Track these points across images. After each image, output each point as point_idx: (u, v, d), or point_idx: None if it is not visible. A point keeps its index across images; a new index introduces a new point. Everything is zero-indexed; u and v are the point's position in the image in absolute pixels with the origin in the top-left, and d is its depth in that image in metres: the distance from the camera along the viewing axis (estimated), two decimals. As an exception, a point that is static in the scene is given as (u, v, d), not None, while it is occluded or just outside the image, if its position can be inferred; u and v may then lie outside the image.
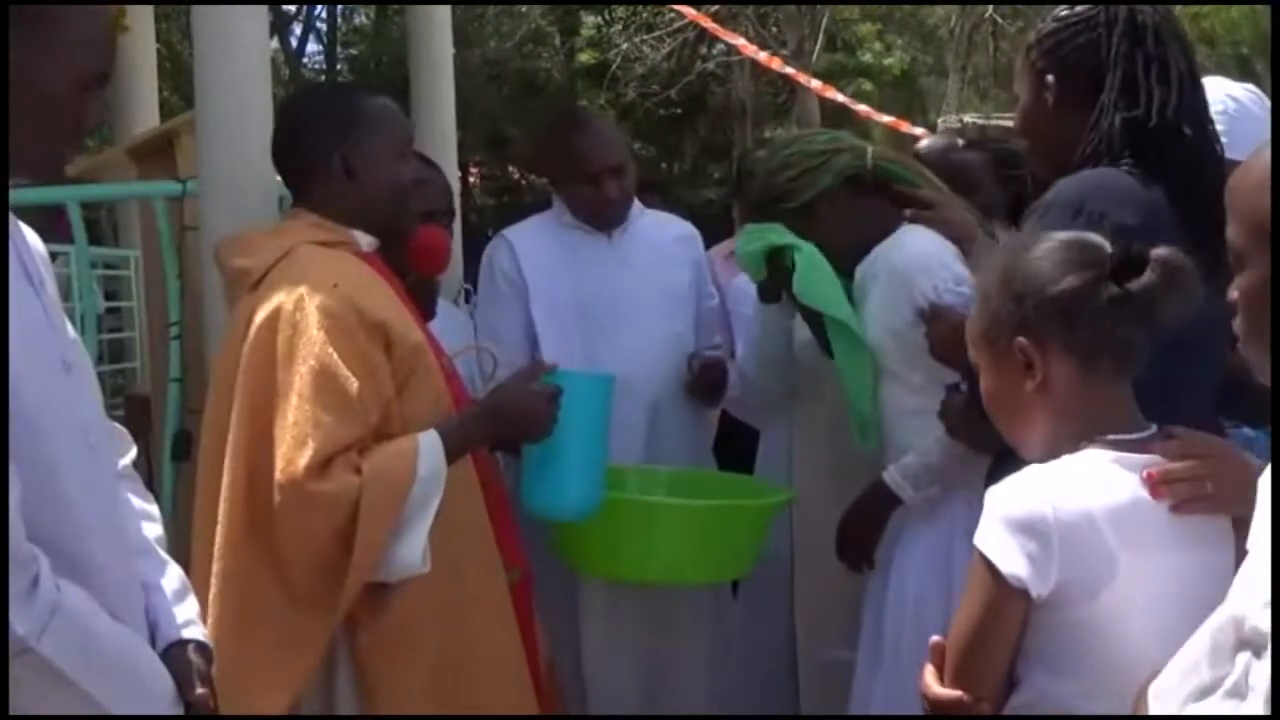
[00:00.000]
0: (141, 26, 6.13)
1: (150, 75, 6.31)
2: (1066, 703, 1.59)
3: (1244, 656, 1.12)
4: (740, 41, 9.43)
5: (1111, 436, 1.61)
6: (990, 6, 16.34)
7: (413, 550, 2.10)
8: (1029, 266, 1.64)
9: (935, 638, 1.65)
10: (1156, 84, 2.01)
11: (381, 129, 2.32)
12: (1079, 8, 2.09)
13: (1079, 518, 1.53)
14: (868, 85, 17.62)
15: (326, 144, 2.28)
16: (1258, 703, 1.08)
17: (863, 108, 9.32)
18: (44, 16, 1.43)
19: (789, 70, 9.23)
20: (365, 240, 2.33)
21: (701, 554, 2.66)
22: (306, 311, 2.10)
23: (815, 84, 9.46)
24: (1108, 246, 1.63)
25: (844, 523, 2.57)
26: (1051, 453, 1.62)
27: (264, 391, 2.11)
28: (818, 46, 15.48)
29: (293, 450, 2.05)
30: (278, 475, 2.06)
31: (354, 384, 2.08)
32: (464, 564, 2.26)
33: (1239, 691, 1.13)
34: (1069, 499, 1.54)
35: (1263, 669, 1.08)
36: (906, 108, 18.78)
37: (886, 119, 9.18)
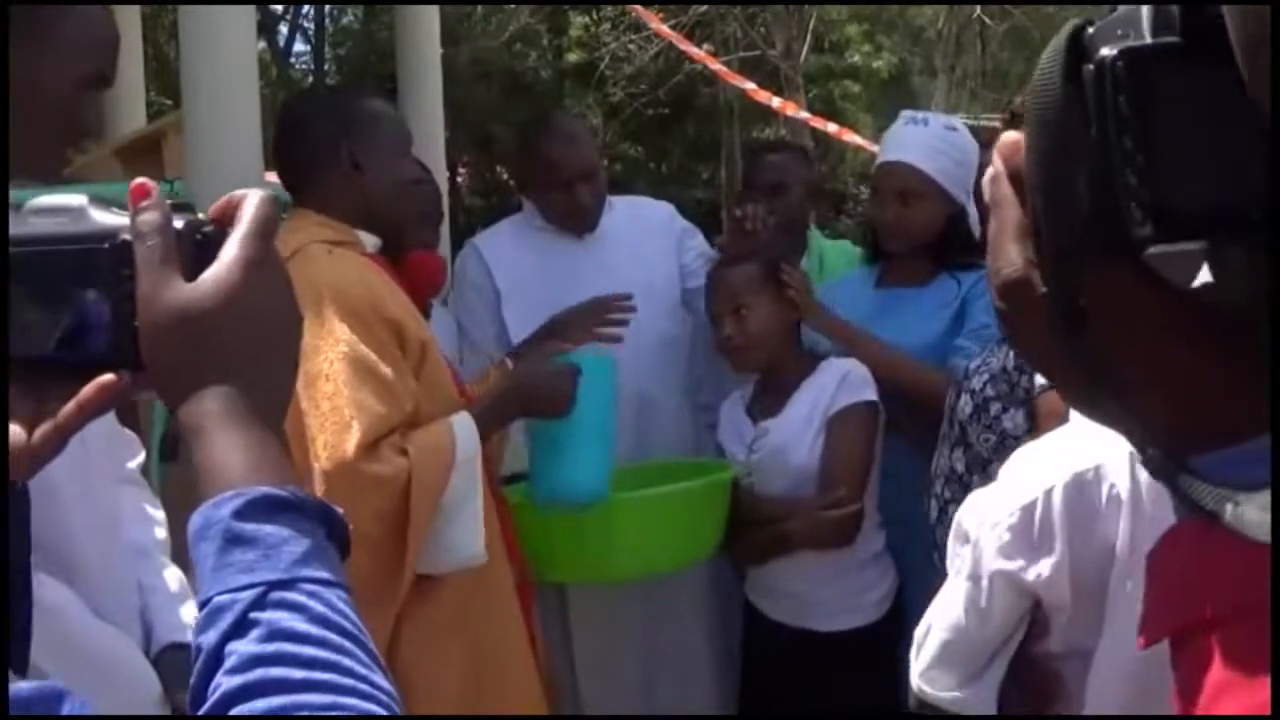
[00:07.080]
0: (128, 27, 6.12)
1: (137, 76, 6.29)
2: None
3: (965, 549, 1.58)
4: (701, 53, 9.38)
5: None
6: (978, 7, 16.37)
7: (469, 537, 2.10)
8: None
9: None
10: None
11: (383, 126, 2.36)
12: None
13: None
14: (855, 87, 17.66)
15: (333, 139, 2.29)
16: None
17: (832, 126, 9.34)
18: (45, 18, 1.43)
19: (750, 86, 9.13)
20: (370, 241, 2.34)
21: (663, 542, 2.63)
22: (326, 306, 2.10)
23: (776, 102, 9.34)
24: None
25: None
26: None
27: None
28: (805, 48, 15.50)
29: (337, 435, 2.03)
30: (322, 463, 2.03)
31: (387, 370, 2.10)
32: (487, 567, 2.25)
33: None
34: None
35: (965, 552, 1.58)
36: (895, 109, 18.83)
37: (856, 138, 9.22)
